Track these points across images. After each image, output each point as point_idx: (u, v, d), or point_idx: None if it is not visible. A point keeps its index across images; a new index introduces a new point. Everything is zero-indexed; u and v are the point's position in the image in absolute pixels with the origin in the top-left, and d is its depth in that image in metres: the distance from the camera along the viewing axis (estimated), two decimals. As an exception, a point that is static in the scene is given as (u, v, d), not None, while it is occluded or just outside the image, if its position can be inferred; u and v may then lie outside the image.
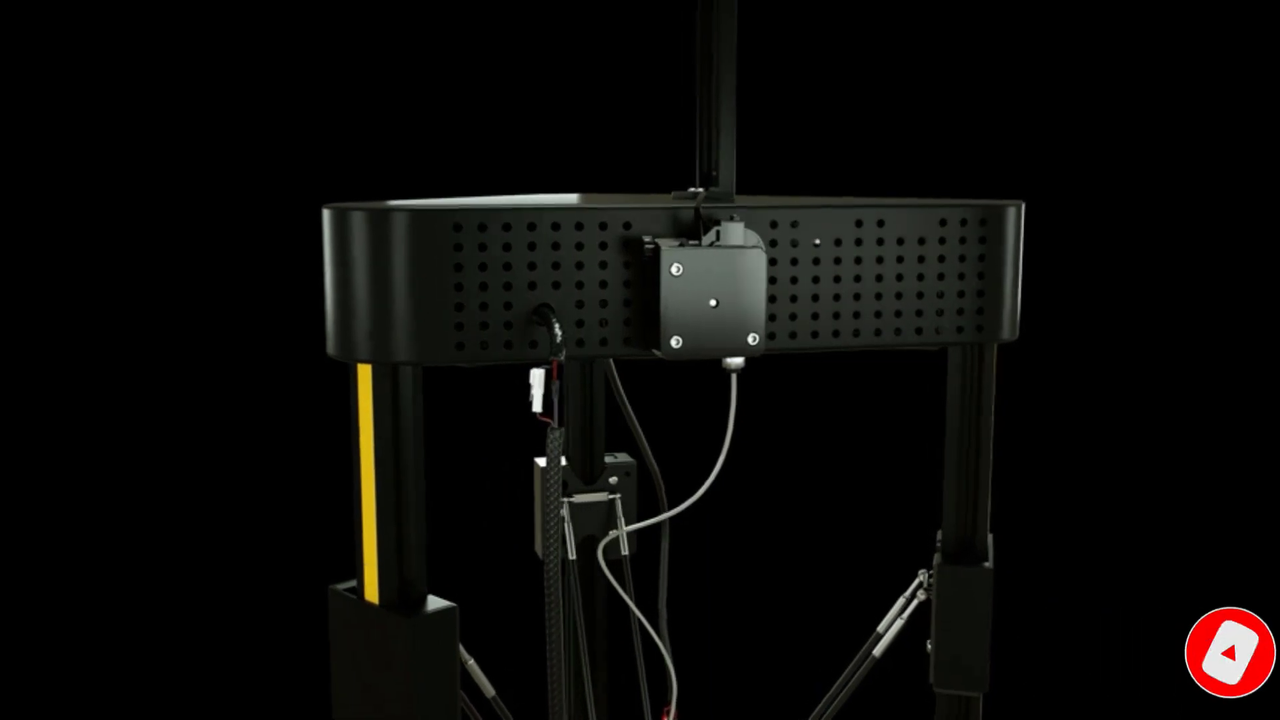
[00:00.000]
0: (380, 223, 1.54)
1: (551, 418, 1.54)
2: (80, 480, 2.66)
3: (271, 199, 2.55)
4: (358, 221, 1.56)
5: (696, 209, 1.62)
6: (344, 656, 1.70)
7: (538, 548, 2.27)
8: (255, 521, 2.68)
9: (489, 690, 1.81)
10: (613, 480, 2.26)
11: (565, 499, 2.23)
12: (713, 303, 1.60)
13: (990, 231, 1.75)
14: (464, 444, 2.40)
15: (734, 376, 1.69)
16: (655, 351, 1.61)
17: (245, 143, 2.62)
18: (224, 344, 2.66)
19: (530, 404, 1.61)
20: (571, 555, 2.21)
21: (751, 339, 1.62)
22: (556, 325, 1.55)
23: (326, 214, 1.59)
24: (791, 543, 2.84)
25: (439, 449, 2.44)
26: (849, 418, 2.80)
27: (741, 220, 1.62)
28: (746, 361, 1.68)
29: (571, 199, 1.87)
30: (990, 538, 1.92)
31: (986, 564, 1.85)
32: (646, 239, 1.60)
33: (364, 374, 1.63)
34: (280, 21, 2.59)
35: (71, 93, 2.56)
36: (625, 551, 2.23)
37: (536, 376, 1.53)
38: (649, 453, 2.09)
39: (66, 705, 2.64)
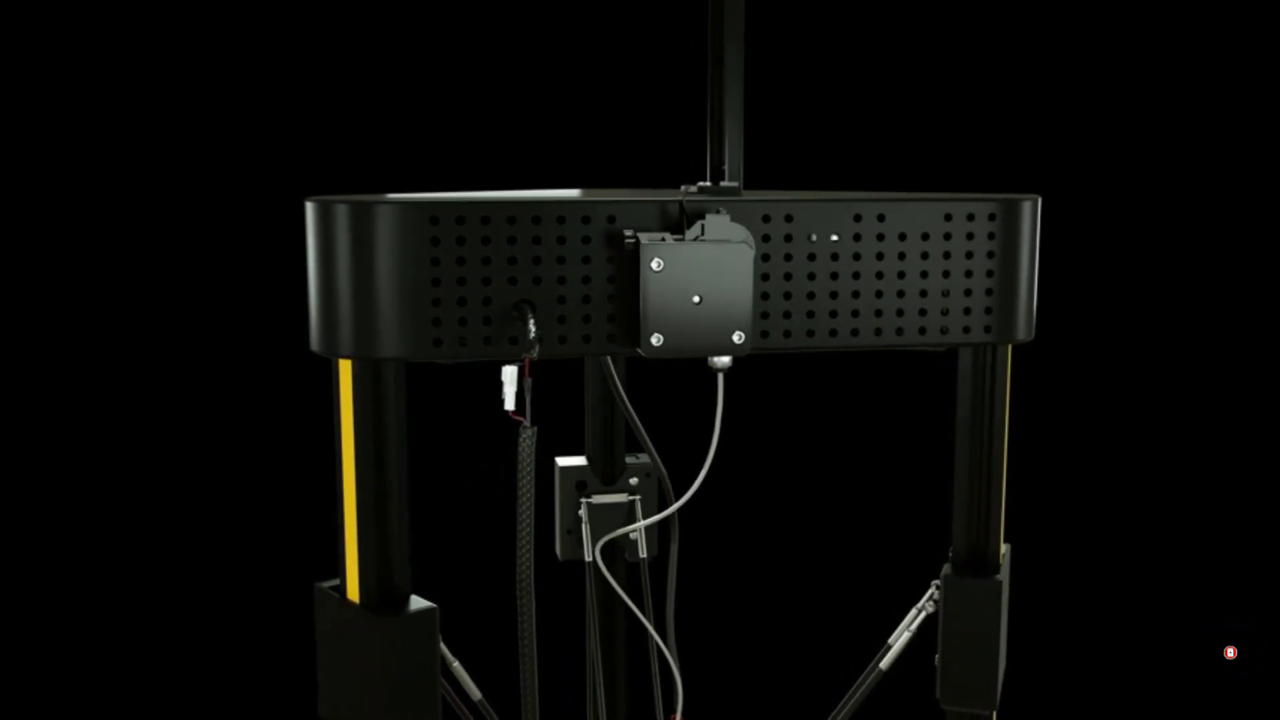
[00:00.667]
0: (359, 215, 1.52)
1: (524, 416, 1.50)
2: (69, 478, 2.64)
3: (277, 194, 2.54)
4: (336, 214, 1.54)
5: (680, 202, 1.57)
6: (328, 655, 1.69)
7: (557, 549, 2.24)
8: (250, 517, 2.66)
9: (475, 693, 1.78)
10: (633, 481, 2.22)
11: (584, 499, 2.19)
12: (696, 299, 1.55)
13: (1001, 227, 1.67)
14: (473, 444, 2.38)
15: (721, 376, 1.63)
16: (638, 350, 1.56)
17: (257, 139, 2.59)
18: (213, 339, 2.62)
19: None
20: (588, 557, 2.17)
21: (737, 337, 1.56)
22: (532, 321, 1.51)
23: (310, 206, 1.57)
24: (807, 550, 2.77)
25: (446, 449, 2.42)
26: (869, 419, 2.72)
27: (727, 214, 1.56)
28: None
29: (573, 194, 1.83)
30: (1007, 548, 1.84)
31: (998, 576, 1.76)
32: (627, 233, 1.55)
33: (345, 370, 1.61)
34: (284, 14, 2.57)
35: (54, 84, 2.54)
36: (643, 554, 2.19)
37: (508, 374, 1.50)
38: (654, 452, 2.04)
39: (59, 704, 2.63)
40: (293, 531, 2.55)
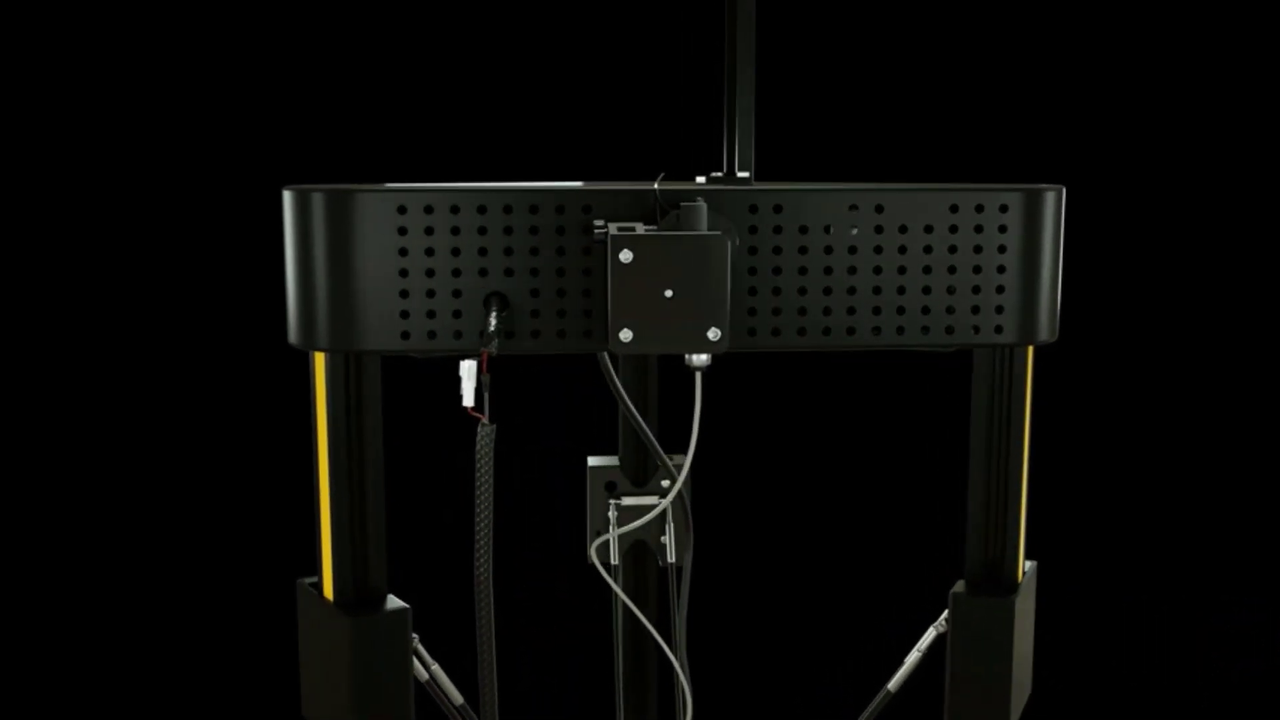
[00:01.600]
0: (330, 203, 1.49)
1: (482, 413, 1.44)
2: (68, 475, 2.59)
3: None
4: (312, 202, 1.51)
5: (655, 191, 1.49)
6: (309, 652, 1.66)
7: (590, 555, 2.17)
8: (256, 510, 2.62)
9: (456, 698, 1.73)
10: (665, 484, 2.14)
11: (613, 501, 2.13)
12: (668, 293, 1.47)
13: (1022, 220, 1.55)
14: (460, 441, 2.31)
15: (698, 376, 1.54)
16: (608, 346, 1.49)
17: (267, 137, 2.51)
18: (216, 333, 2.56)
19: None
20: (614, 560, 2.10)
21: (713, 335, 1.48)
22: (494, 315, 1.46)
23: (287, 195, 1.54)
24: (826, 561, 2.64)
25: (432, 445, 2.36)
26: (890, 421, 2.59)
27: (705, 204, 1.48)
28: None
29: (574, 186, 1.77)
30: (1031, 566, 1.71)
31: (1014, 596, 1.63)
32: (597, 223, 1.48)
33: (319, 363, 1.58)
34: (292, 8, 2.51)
35: (33, 74, 2.48)
36: (672, 559, 2.11)
37: (466, 368, 1.44)
38: (659, 449, 1.96)
39: (62, 701, 2.60)
40: (298, 525, 2.51)
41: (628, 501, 2.13)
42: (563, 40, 2.49)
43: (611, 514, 2.13)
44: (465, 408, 1.45)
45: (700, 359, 1.52)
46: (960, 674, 1.63)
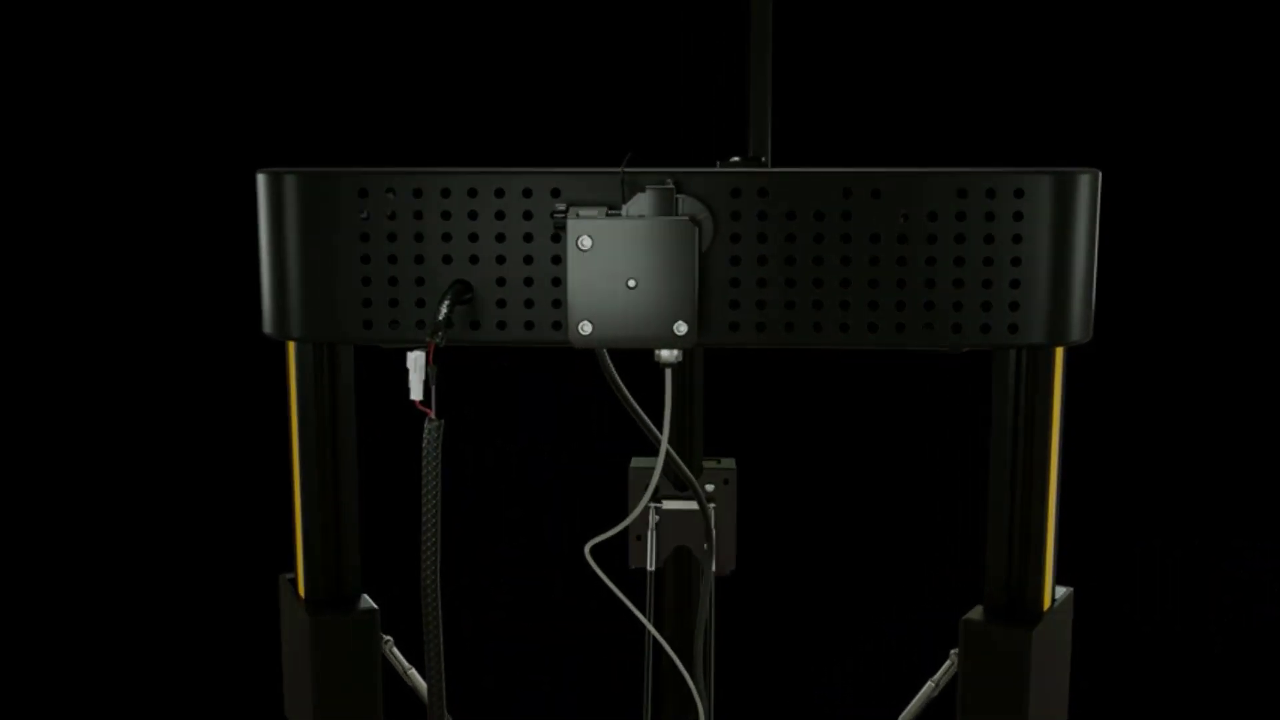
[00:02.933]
0: (305, 187, 1.44)
1: (430, 407, 1.36)
2: (88, 482, 2.55)
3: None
4: (273, 185, 1.45)
5: (621, 174, 1.38)
6: (289, 650, 1.62)
7: (632, 559, 2.08)
8: (266, 504, 2.54)
9: (435, 704, 1.65)
10: (710, 487, 2.02)
11: (653, 505, 2.02)
12: (631, 283, 1.36)
13: (1040, 206, 1.38)
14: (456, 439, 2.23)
15: (668, 372, 1.43)
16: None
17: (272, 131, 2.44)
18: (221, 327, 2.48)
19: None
20: (651, 566, 2.00)
21: (679, 328, 1.37)
22: (445, 303, 1.38)
23: (261, 179, 1.49)
24: (839, 567, 2.47)
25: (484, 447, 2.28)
26: (912, 423, 2.40)
27: (673, 186, 1.36)
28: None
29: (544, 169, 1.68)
30: (1065, 593, 1.54)
31: (1036, 626, 1.47)
32: (559, 207, 1.38)
33: (291, 353, 1.53)
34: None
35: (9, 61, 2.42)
36: (713, 568, 1.99)
37: (413, 360, 1.36)
38: (651, 431, 1.84)
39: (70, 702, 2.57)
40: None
41: (670, 506, 2.02)
42: (585, 26, 2.39)
43: (652, 517, 2.02)
44: (413, 402, 1.36)
45: (668, 355, 1.41)
46: (971, 713, 1.47)
